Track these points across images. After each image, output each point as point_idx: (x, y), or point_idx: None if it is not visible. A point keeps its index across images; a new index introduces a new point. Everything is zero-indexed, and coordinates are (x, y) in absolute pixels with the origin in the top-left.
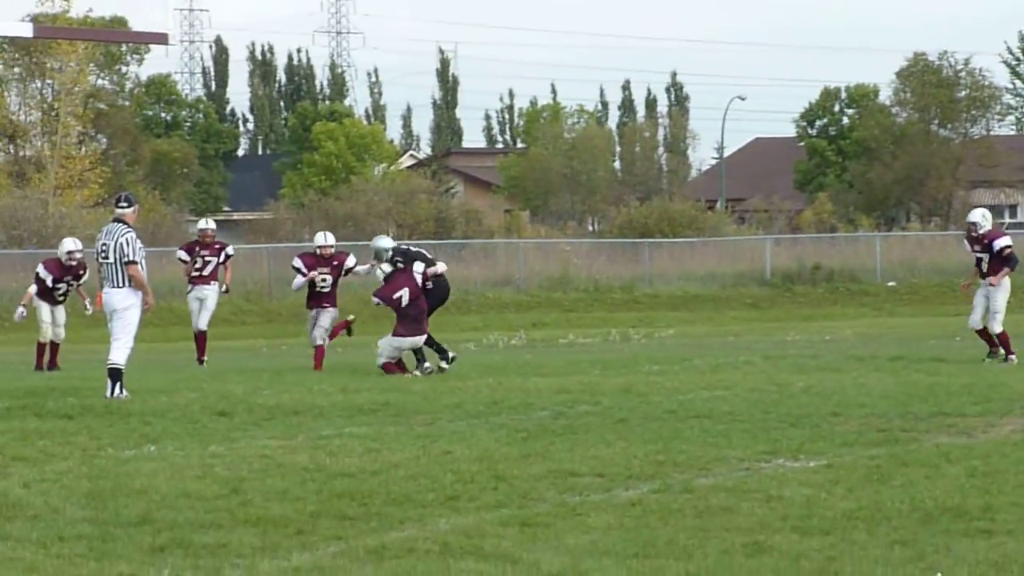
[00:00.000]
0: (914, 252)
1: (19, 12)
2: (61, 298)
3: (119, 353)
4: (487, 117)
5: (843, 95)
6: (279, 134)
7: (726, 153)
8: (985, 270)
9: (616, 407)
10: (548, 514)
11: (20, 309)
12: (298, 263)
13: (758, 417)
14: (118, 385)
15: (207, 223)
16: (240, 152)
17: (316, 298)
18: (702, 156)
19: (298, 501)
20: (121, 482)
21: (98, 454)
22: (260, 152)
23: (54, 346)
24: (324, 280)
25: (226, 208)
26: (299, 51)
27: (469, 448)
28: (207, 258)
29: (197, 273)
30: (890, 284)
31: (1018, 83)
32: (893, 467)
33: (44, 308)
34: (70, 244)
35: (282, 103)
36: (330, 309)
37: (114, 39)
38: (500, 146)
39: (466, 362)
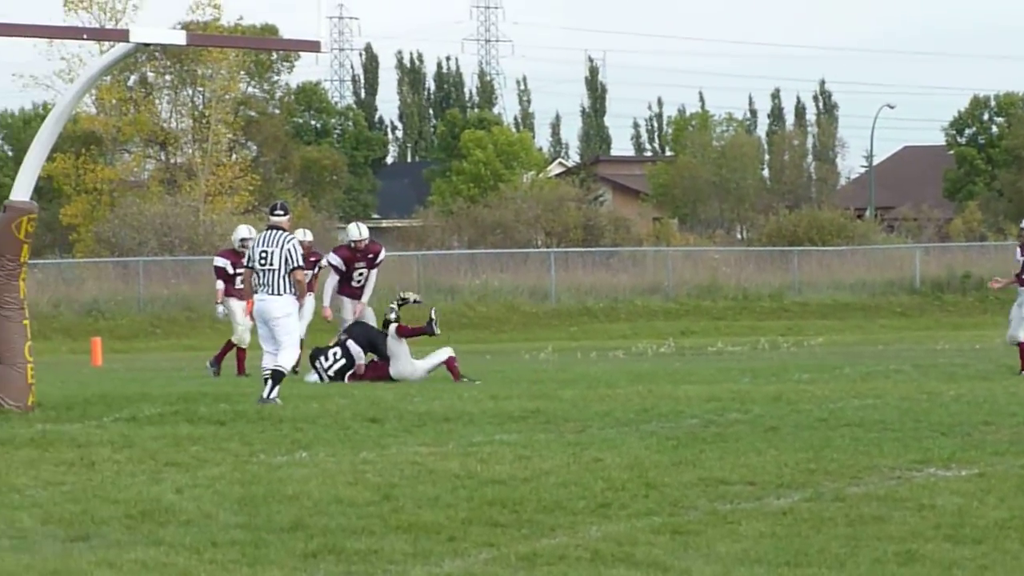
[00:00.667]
0: None
1: (170, 20)
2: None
3: (286, 357)
4: (635, 125)
5: (992, 103)
6: (428, 142)
7: (875, 161)
8: None
9: (766, 415)
10: (699, 522)
11: (220, 308)
12: (334, 259)
13: (909, 426)
14: (276, 389)
15: (360, 231)
16: (389, 160)
17: (351, 293)
18: (851, 164)
19: (449, 508)
20: (273, 488)
21: (250, 460)
22: (409, 160)
23: (241, 351)
24: (360, 274)
25: (375, 215)
26: (448, 59)
27: (620, 455)
28: (362, 269)
29: (357, 285)
30: None
31: None
32: None
33: (239, 310)
34: (244, 231)
35: (431, 111)
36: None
37: (267, 47)
38: (648, 154)
39: (616, 370)
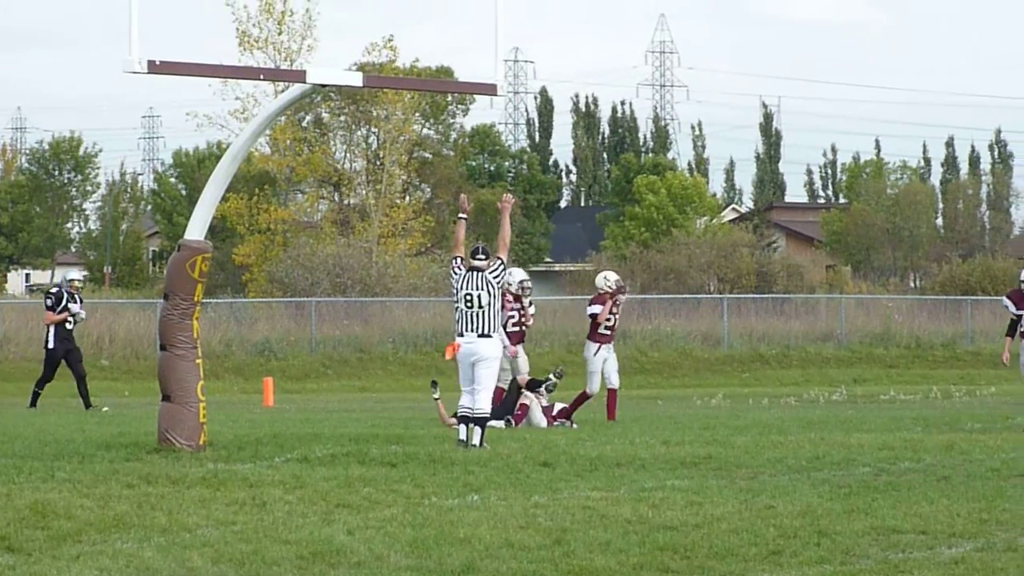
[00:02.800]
0: None
1: (346, 61)
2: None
3: (486, 400)
4: (809, 171)
5: None
6: (602, 186)
7: None
8: None
9: (939, 464)
10: (871, 571)
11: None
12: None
13: None
14: (483, 434)
15: (608, 278)
16: (562, 203)
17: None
18: None
19: (621, 553)
20: (445, 531)
21: (422, 502)
22: (582, 204)
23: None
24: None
25: (548, 259)
26: (623, 103)
27: (791, 503)
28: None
29: (607, 331)
30: None
31: None
32: None
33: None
34: (520, 274)
35: (605, 155)
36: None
37: (443, 89)
38: (822, 200)
39: (788, 417)
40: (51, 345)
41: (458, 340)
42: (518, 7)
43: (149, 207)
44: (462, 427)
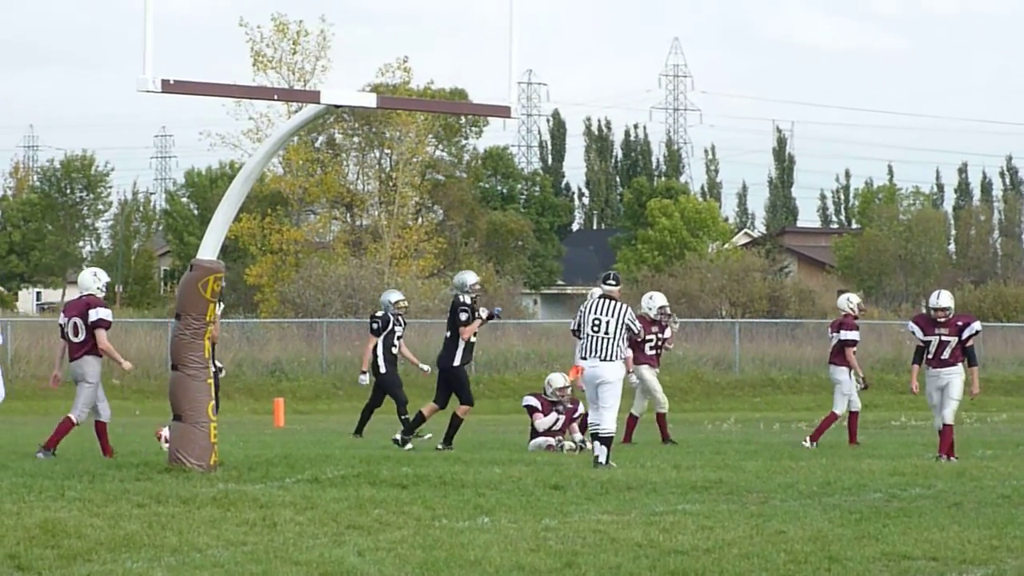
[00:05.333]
0: None
1: (359, 82)
2: None
3: (610, 420)
4: (822, 197)
5: None
6: (614, 209)
7: None
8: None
9: (950, 491)
10: None
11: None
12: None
13: None
14: (608, 451)
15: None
16: (575, 226)
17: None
18: None
19: None
20: (455, 553)
21: (432, 524)
22: (595, 227)
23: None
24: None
25: (560, 282)
26: (636, 127)
27: (802, 528)
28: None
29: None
30: None
31: None
32: None
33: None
34: (660, 299)
35: (618, 178)
36: None
37: (457, 111)
38: (835, 226)
39: (799, 442)
40: None
41: (581, 363)
42: (532, 30)
43: (161, 226)
44: (601, 447)
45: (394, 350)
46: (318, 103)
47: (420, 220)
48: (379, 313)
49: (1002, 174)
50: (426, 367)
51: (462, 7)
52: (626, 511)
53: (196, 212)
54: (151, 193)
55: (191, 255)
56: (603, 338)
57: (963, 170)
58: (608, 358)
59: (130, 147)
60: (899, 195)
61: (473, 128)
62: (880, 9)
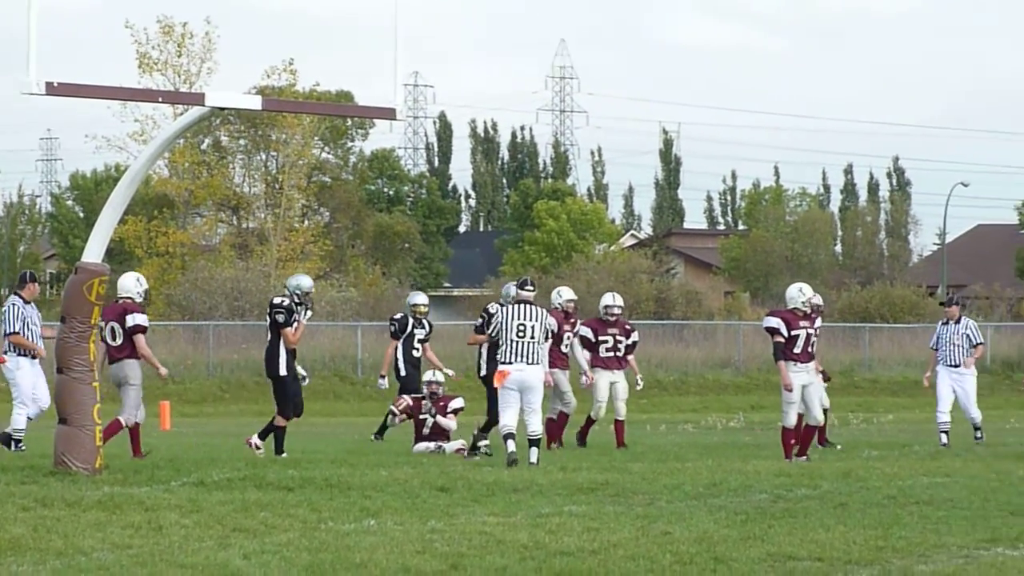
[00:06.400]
0: None
1: (246, 84)
2: None
3: (539, 422)
4: (709, 198)
5: None
6: (501, 211)
7: (948, 239)
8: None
9: (835, 491)
10: None
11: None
12: (585, 331)
13: (978, 505)
14: (507, 442)
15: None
16: (462, 228)
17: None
18: (923, 242)
19: None
20: (341, 555)
21: (318, 527)
22: (482, 229)
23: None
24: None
25: (447, 284)
26: (522, 128)
27: (688, 529)
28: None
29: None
30: None
31: None
32: None
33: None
34: (568, 293)
35: (504, 180)
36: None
37: (342, 113)
38: (721, 227)
39: (685, 443)
40: None
41: (504, 368)
42: (418, 32)
43: (46, 229)
44: (510, 443)
45: (415, 353)
46: (203, 105)
47: (306, 223)
48: (397, 316)
49: (889, 175)
50: (451, 371)
51: (349, 9)
52: (512, 513)
53: (82, 215)
54: (36, 196)
55: (77, 258)
56: (529, 343)
57: (849, 171)
58: (534, 362)
59: (14, 150)
60: (785, 196)
61: (359, 130)
62: (765, 10)
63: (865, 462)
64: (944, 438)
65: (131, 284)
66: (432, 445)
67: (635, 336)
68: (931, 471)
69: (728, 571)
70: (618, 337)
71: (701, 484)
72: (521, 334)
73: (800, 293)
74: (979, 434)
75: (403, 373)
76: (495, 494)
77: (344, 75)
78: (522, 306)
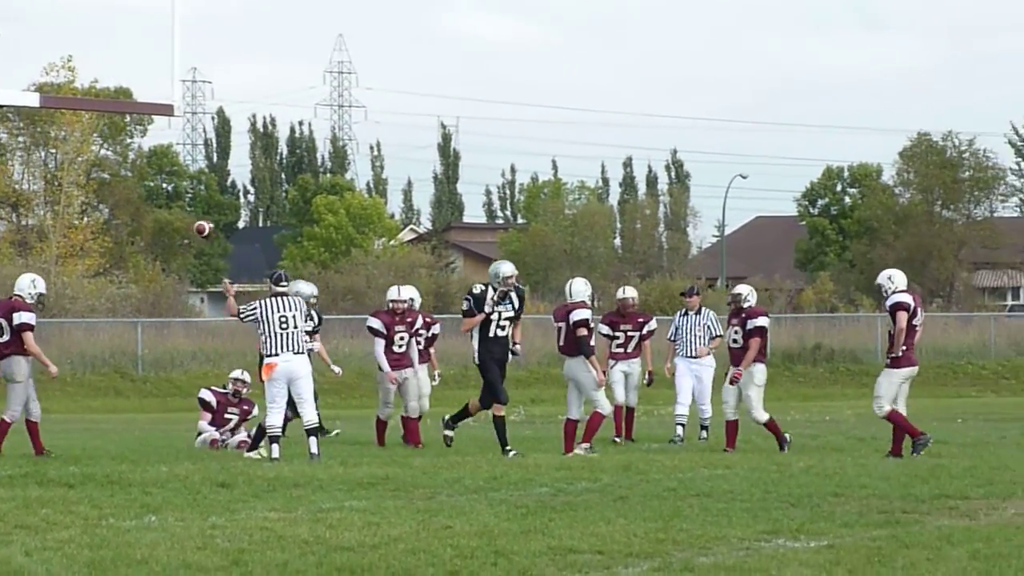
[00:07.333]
0: None
1: (24, 81)
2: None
3: (312, 412)
4: (488, 192)
5: (845, 174)
6: (280, 206)
7: (727, 231)
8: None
9: (616, 484)
10: None
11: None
12: (375, 323)
13: (758, 496)
14: (272, 445)
15: (400, 292)
16: (241, 224)
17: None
18: (703, 234)
19: (298, 574)
20: (122, 552)
21: (99, 523)
22: (261, 224)
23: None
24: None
25: (226, 280)
26: (301, 124)
27: (469, 523)
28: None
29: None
30: None
31: (1023, 164)
32: (895, 549)
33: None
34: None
35: (283, 175)
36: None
37: (120, 110)
38: (500, 221)
39: (466, 437)
40: None
41: (271, 360)
42: (196, 28)
43: None
44: (275, 447)
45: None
46: None
47: (86, 219)
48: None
49: (667, 168)
50: (337, 368)
51: (127, 6)
52: (293, 508)
53: None
54: None
55: None
56: (292, 333)
57: (628, 164)
58: (299, 351)
59: None
60: (564, 190)
61: (138, 127)
62: (543, 4)
63: (645, 455)
64: (680, 431)
65: (25, 284)
66: (215, 436)
67: (756, 322)
68: (712, 463)
69: (509, 564)
70: (630, 333)
71: (482, 478)
72: (284, 326)
73: (586, 287)
74: (704, 434)
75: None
76: (276, 490)
77: (123, 72)
78: (281, 299)
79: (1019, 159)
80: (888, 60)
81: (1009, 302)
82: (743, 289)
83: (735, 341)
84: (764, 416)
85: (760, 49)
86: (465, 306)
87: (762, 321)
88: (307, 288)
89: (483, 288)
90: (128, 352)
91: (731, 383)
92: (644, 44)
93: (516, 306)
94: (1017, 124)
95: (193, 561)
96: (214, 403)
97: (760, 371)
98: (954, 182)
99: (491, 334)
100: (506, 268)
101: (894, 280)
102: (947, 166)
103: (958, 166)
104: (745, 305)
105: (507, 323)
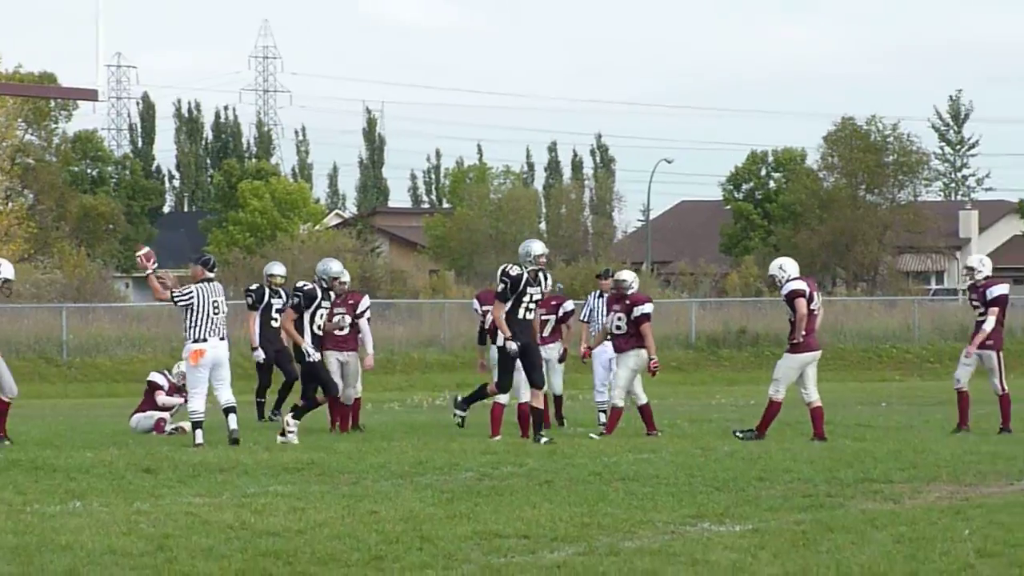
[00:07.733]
0: (840, 317)
1: None
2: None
3: (229, 395)
4: (413, 177)
5: (770, 159)
6: (205, 191)
7: (652, 216)
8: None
9: (541, 469)
10: (473, 575)
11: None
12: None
13: (683, 481)
14: (196, 431)
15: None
16: (166, 209)
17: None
18: (628, 218)
19: (223, 559)
20: (47, 538)
21: (23, 509)
22: (186, 209)
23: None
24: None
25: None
26: (226, 108)
27: (394, 508)
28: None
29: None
30: None
31: (946, 148)
32: (819, 533)
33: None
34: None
35: (208, 160)
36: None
37: (44, 95)
38: (426, 206)
39: (391, 422)
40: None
41: (201, 346)
42: (121, 13)
43: None
44: (199, 432)
45: (274, 324)
46: None
47: (10, 205)
48: (253, 287)
49: (592, 152)
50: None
51: None
52: (218, 493)
53: None
54: None
55: None
56: (222, 318)
57: (553, 148)
58: (224, 337)
59: None
60: (489, 174)
61: (63, 112)
62: None
63: (571, 439)
64: (603, 417)
65: None
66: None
67: (643, 309)
68: (637, 448)
69: (434, 549)
70: (544, 316)
71: (407, 463)
72: (216, 311)
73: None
74: (602, 430)
75: (256, 344)
76: (200, 475)
77: (47, 56)
78: (212, 284)
79: (942, 144)
80: (812, 45)
81: (933, 286)
82: (627, 275)
83: (618, 328)
84: (619, 401)
85: (684, 34)
86: (500, 287)
87: (647, 308)
88: (335, 265)
89: (520, 270)
90: (53, 338)
91: (651, 374)
92: (569, 29)
93: (544, 288)
94: (940, 109)
95: (118, 547)
96: (166, 386)
97: (636, 355)
98: (878, 166)
99: (520, 315)
100: (537, 247)
101: (785, 269)
102: (871, 150)
103: (882, 150)
104: (629, 292)
105: (534, 306)
